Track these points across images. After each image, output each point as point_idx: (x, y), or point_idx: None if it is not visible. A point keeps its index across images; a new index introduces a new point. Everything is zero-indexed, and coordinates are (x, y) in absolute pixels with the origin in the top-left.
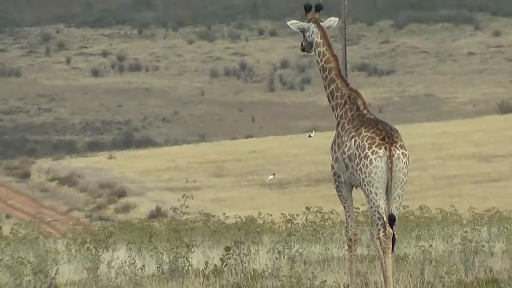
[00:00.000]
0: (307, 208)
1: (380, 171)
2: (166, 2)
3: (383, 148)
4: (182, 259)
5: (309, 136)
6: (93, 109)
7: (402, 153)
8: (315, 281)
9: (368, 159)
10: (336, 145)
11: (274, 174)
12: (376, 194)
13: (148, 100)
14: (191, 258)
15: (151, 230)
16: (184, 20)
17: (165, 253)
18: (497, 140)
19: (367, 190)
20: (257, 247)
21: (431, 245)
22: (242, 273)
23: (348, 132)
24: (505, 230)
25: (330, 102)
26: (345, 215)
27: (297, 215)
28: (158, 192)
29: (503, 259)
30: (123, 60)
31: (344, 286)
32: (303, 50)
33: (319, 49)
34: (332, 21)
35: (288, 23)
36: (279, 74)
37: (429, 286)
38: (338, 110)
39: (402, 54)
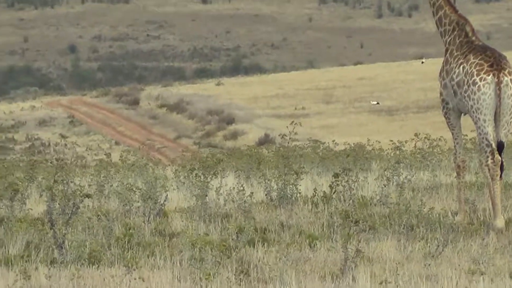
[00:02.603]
0: (416, 135)
1: (488, 97)
2: None
3: (491, 75)
4: (291, 186)
5: (422, 62)
6: (202, 35)
7: (511, 79)
8: (424, 208)
9: (477, 86)
10: (444, 72)
11: (378, 103)
12: (485, 121)
13: (256, 27)
14: (300, 185)
15: (260, 157)
16: None
17: (273, 180)
18: None
19: (476, 117)
20: (365, 174)
21: None
22: (351, 200)
23: (457, 58)
24: None
25: (438, 28)
26: (453, 142)
27: (406, 142)
28: (267, 119)
29: None
30: None
31: (452, 213)
32: None
33: None
34: None
35: None
36: (387, 1)
37: None
38: (447, 37)
39: None
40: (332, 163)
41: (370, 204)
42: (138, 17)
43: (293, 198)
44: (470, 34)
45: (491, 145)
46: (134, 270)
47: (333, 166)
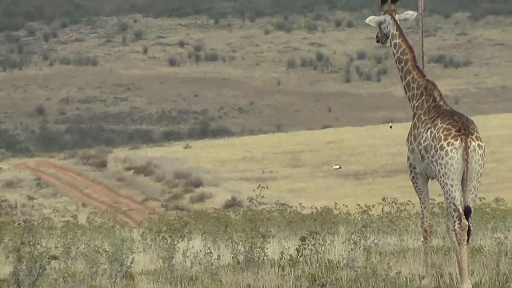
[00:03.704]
0: (383, 199)
1: (456, 162)
2: None
3: (459, 140)
4: (258, 249)
5: (390, 127)
6: (170, 98)
7: (478, 144)
8: (390, 272)
9: (444, 151)
10: (412, 136)
11: (340, 167)
12: (452, 185)
13: (224, 90)
14: (267, 248)
15: (227, 220)
16: (261, 10)
17: (240, 243)
18: None
19: (443, 181)
20: (332, 238)
21: (506, 237)
22: (318, 264)
23: (424, 123)
24: None
25: (406, 93)
26: (421, 207)
27: (373, 206)
28: (234, 182)
29: None
30: (200, 50)
31: (419, 277)
32: (378, 41)
33: (395, 40)
34: (409, 15)
35: (367, 20)
36: (356, 65)
37: (504, 278)
38: (414, 101)
39: (479, 46)
40: (299, 227)
41: (337, 268)
42: (106, 79)
43: (260, 261)
44: (438, 99)
45: (458, 210)
46: None
47: (300, 229)
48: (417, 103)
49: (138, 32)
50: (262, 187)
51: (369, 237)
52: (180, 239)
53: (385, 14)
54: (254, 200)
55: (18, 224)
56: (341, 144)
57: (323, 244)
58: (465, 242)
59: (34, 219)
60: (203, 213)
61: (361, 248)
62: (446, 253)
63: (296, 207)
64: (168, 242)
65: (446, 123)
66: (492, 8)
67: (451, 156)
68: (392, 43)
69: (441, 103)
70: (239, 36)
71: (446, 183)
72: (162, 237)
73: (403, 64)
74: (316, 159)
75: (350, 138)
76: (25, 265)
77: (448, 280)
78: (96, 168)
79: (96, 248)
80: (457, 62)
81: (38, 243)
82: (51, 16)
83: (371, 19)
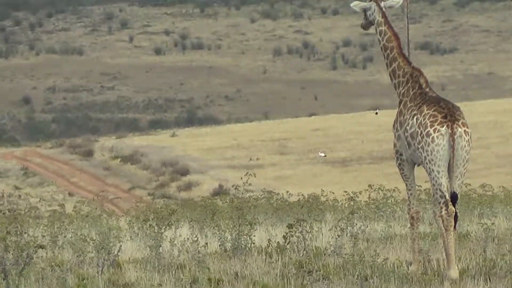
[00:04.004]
0: (370, 186)
1: (442, 149)
2: None
3: (445, 126)
4: (245, 236)
5: (376, 113)
6: (156, 87)
7: (464, 131)
8: (378, 258)
9: (430, 137)
10: (398, 123)
11: (325, 155)
12: (438, 172)
13: (210, 79)
14: (254, 236)
15: (214, 207)
16: None
17: (227, 230)
18: None
19: (429, 168)
20: (319, 225)
21: (493, 223)
22: (305, 251)
23: (410, 110)
24: None
25: (392, 80)
26: (407, 193)
27: (360, 193)
28: (221, 170)
29: None
30: (186, 38)
31: (406, 263)
32: (363, 28)
33: (380, 28)
34: (394, 2)
35: (351, 4)
36: (342, 53)
37: (492, 263)
38: (400, 88)
39: (465, 32)
40: (286, 214)
41: (324, 255)
42: (92, 69)
43: (247, 249)
44: (424, 86)
45: (445, 196)
46: None
47: (287, 217)
48: (403, 90)
49: (124, 21)
50: (249, 175)
51: (356, 224)
52: (167, 227)
53: (370, 1)
54: (241, 187)
55: (4, 214)
56: (327, 131)
57: (310, 231)
58: (452, 228)
59: (20, 208)
60: (190, 201)
61: (348, 234)
62: (433, 239)
63: (283, 194)
64: (155, 231)
65: (432, 109)
66: None
67: (437, 142)
68: (378, 30)
69: (427, 90)
70: (224, 24)
71: (433, 170)
72: (149, 225)
73: (388, 51)
74: (302, 147)
75: (336, 125)
76: (12, 254)
77: (436, 266)
78: (83, 157)
79: (83, 237)
80: (443, 49)
81: (25, 232)
82: (36, 6)
83: (356, 4)
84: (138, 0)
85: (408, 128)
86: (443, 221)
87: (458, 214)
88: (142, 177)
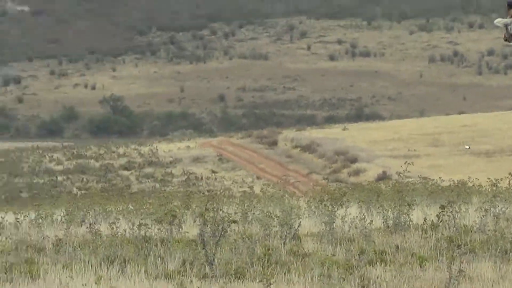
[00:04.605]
0: (510, 174)
1: None
2: (392, 0)
3: None
4: (404, 215)
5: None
6: (330, 88)
7: None
8: None
9: None
10: None
11: (469, 147)
12: None
13: (376, 81)
14: (412, 214)
15: (378, 190)
16: (406, 14)
17: (389, 210)
18: None
19: None
20: (467, 206)
21: None
22: (454, 228)
23: None
24: None
25: None
26: None
27: (501, 179)
28: (384, 159)
29: None
30: (355, 47)
31: None
32: (505, 40)
33: None
34: None
35: (495, 21)
36: (486, 61)
37: None
38: None
39: None
40: (439, 197)
41: (471, 232)
42: (276, 72)
43: (406, 226)
44: None
45: None
46: (273, 284)
47: (440, 199)
48: None
49: (303, 32)
50: (408, 163)
51: (498, 206)
52: (339, 206)
53: (511, 17)
54: (401, 174)
55: (203, 194)
56: (474, 127)
57: (459, 212)
58: None
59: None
60: (358, 185)
61: (491, 215)
62: None
63: (436, 180)
64: (329, 209)
65: None
66: None
67: None
68: None
69: None
70: (388, 35)
71: None
72: (324, 205)
73: None
74: (453, 140)
75: (482, 122)
76: (210, 228)
77: None
78: (268, 147)
79: (269, 214)
80: None
81: (220, 209)
82: (230, 18)
83: (499, 21)
84: (315, 14)
85: None
86: None
87: None
88: (318, 164)
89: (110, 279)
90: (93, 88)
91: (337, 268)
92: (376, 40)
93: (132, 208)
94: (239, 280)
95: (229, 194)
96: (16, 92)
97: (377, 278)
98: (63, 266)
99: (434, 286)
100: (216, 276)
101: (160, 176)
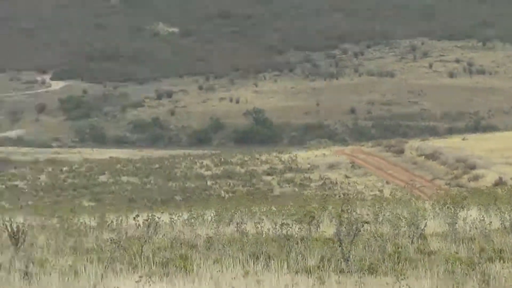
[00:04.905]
0: None
1: None
2: (505, 23)
3: None
4: None
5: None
6: (450, 102)
7: None
8: None
9: None
10: None
11: None
12: None
13: (491, 97)
14: None
15: (496, 195)
16: None
17: (507, 212)
18: None
19: None
20: None
21: None
22: None
23: None
24: None
25: None
26: None
27: None
28: (501, 166)
29: None
30: (472, 65)
31: None
32: None
33: None
34: None
35: None
36: None
37: None
38: None
39: None
40: None
41: None
42: (401, 87)
43: None
44: None
45: None
46: (403, 279)
47: None
48: None
49: (425, 52)
50: None
51: None
52: (461, 209)
53: None
54: None
55: (339, 197)
56: None
57: None
58: None
59: (350, 193)
60: (477, 190)
61: None
62: None
63: None
64: (452, 211)
65: None
66: None
67: None
68: None
69: None
70: (501, 55)
71: None
72: (447, 207)
73: None
74: None
75: None
76: (345, 227)
77: None
78: (396, 155)
79: (398, 215)
80: None
81: (354, 211)
82: (359, 39)
83: None
84: (435, 36)
85: None
86: None
87: None
88: (441, 171)
89: (256, 273)
90: (237, 101)
91: (460, 264)
92: (491, 59)
93: (275, 209)
94: (372, 275)
95: (361, 197)
96: (169, 105)
97: (497, 273)
98: (214, 262)
99: None
100: (351, 271)
101: (299, 181)
